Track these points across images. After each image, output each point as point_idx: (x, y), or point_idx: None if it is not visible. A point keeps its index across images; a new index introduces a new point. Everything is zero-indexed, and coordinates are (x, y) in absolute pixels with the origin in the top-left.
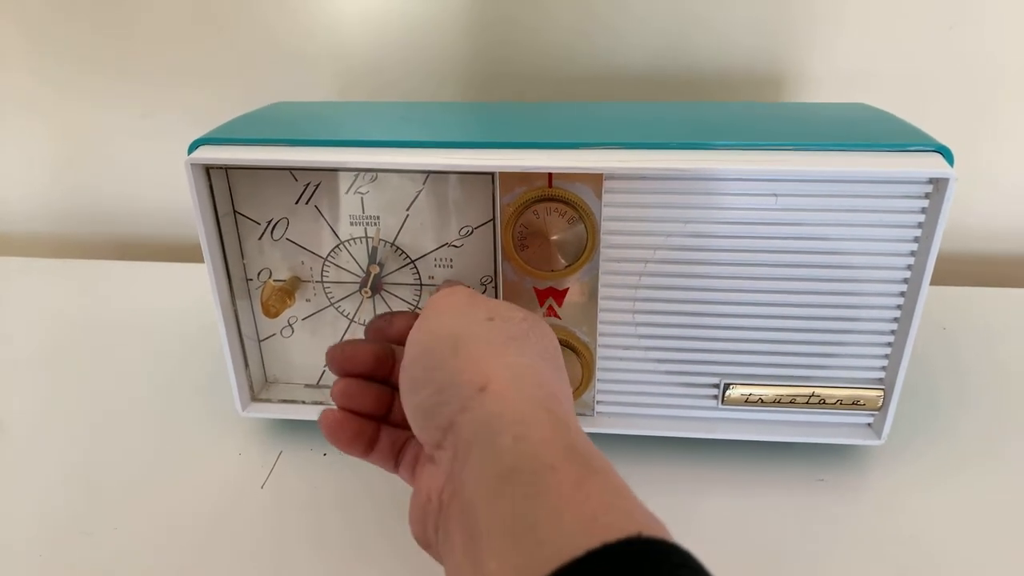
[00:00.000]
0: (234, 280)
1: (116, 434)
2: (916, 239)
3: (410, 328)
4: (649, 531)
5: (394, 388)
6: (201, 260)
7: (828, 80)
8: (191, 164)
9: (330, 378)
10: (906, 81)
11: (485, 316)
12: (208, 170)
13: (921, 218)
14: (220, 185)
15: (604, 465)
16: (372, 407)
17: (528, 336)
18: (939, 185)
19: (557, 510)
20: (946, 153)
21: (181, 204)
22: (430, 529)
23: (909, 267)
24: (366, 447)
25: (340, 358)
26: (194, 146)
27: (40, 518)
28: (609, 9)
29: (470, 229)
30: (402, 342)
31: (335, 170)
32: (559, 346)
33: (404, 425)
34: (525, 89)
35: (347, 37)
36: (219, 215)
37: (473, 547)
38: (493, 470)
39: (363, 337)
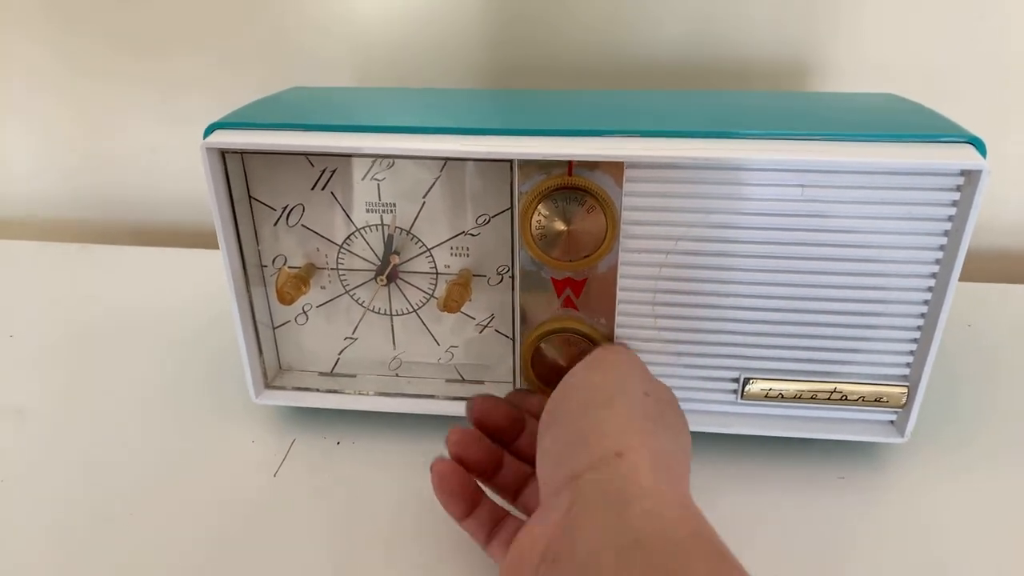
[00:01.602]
0: (249, 266)
1: (130, 420)
2: (946, 233)
3: (539, 405)
4: None
5: (511, 454)
6: (214, 246)
7: (853, 71)
8: (206, 148)
9: (344, 366)
10: (933, 72)
11: (643, 389)
12: (224, 155)
13: (952, 211)
14: (236, 170)
15: (735, 561)
16: (483, 462)
17: (673, 422)
18: (971, 177)
19: None
20: (978, 144)
21: (197, 190)
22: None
23: (938, 261)
24: (467, 507)
25: (479, 409)
26: (210, 130)
27: (56, 503)
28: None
29: (487, 217)
30: (533, 415)
31: (352, 156)
32: (690, 444)
33: (508, 494)
34: (544, 79)
35: (365, 24)
36: (234, 200)
37: None
38: (617, 538)
39: (492, 395)
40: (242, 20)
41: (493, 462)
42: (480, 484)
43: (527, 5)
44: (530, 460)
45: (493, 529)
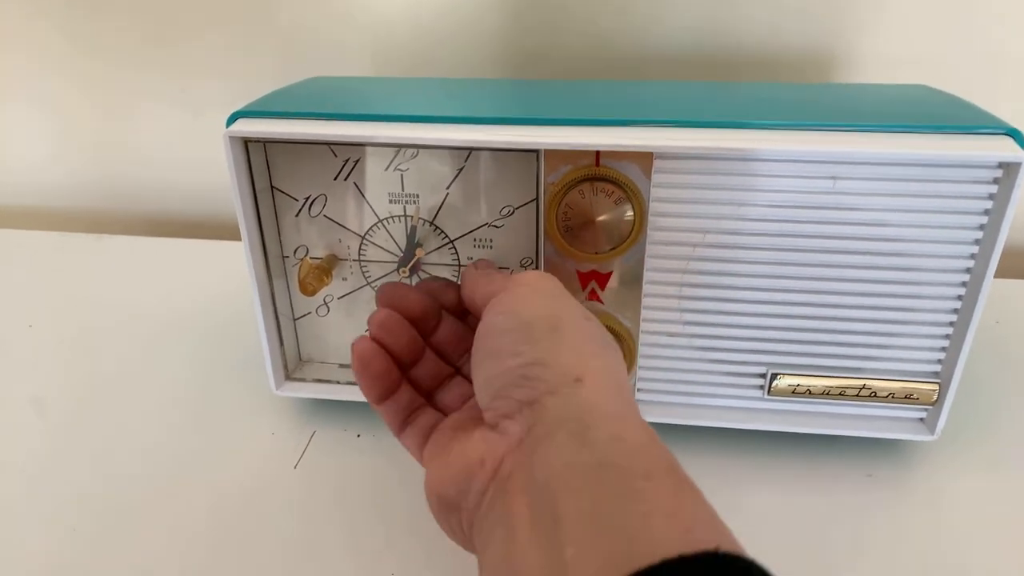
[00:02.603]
0: (270, 257)
1: (149, 412)
2: (981, 227)
3: (458, 301)
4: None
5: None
6: (236, 237)
7: (879, 63)
8: (229, 137)
9: None
10: (963, 66)
11: (582, 315)
12: (247, 144)
13: (988, 204)
14: (258, 160)
15: (695, 488)
16: (404, 350)
17: (615, 346)
18: (1009, 170)
19: (649, 514)
20: (1017, 136)
21: (217, 181)
22: (472, 492)
23: (972, 256)
24: (385, 392)
25: (389, 295)
26: (233, 118)
27: (75, 494)
28: None
29: (511, 209)
30: (449, 308)
31: (376, 145)
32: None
33: (423, 389)
34: (563, 68)
35: (384, 13)
36: (256, 191)
37: (546, 528)
38: (581, 460)
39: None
40: (261, 9)
41: (413, 352)
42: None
43: None
44: (446, 358)
45: (408, 417)
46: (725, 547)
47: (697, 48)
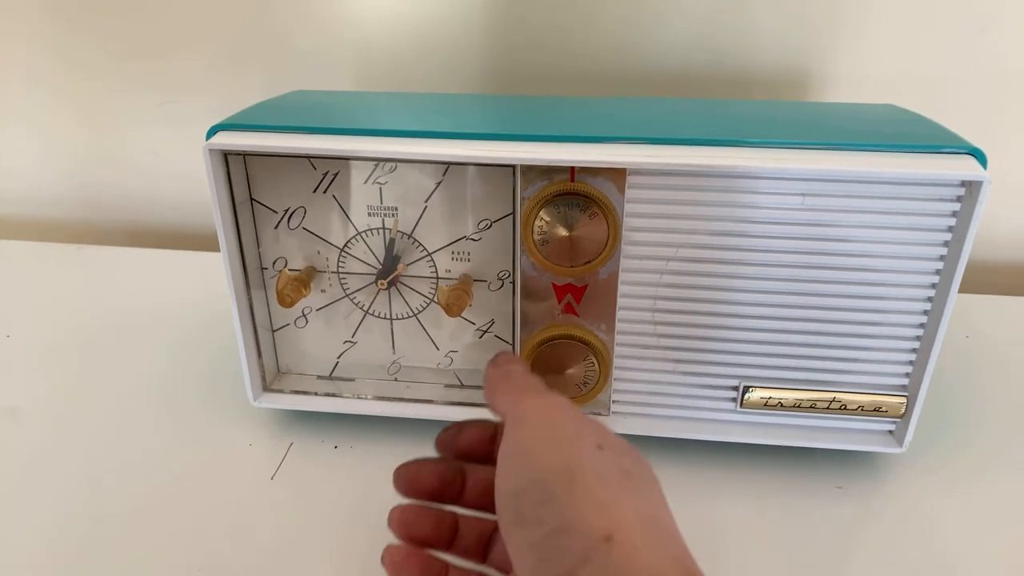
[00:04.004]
0: (249, 269)
1: (127, 423)
2: (946, 243)
3: (481, 439)
4: None
5: (465, 507)
6: (215, 248)
7: (853, 82)
8: (209, 149)
9: (343, 370)
10: (933, 84)
11: (594, 443)
12: (226, 156)
13: (952, 222)
14: (238, 172)
15: None
16: (432, 534)
17: (640, 466)
18: (972, 188)
19: None
20: (979, 156)
21: (196, 192)
22: None
23: (937, 272)
24: None
25: (404, 479)
26: (212, 131)
27: (52, 505)
28: (632, 7)
29: (489, 223)
30: (472, 456)
31: (355, 159)
32: (656, 477)
33: (475, 555)
34: (546, 85)
35: (367, 29)
36: (236, 203)
37: None
38: None
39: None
40: (244, 23)
41: (446, 530)
42: (442, 555)
43: (529, 12)
44: (485, 509)
45: None
46: None
47: (675, 66)
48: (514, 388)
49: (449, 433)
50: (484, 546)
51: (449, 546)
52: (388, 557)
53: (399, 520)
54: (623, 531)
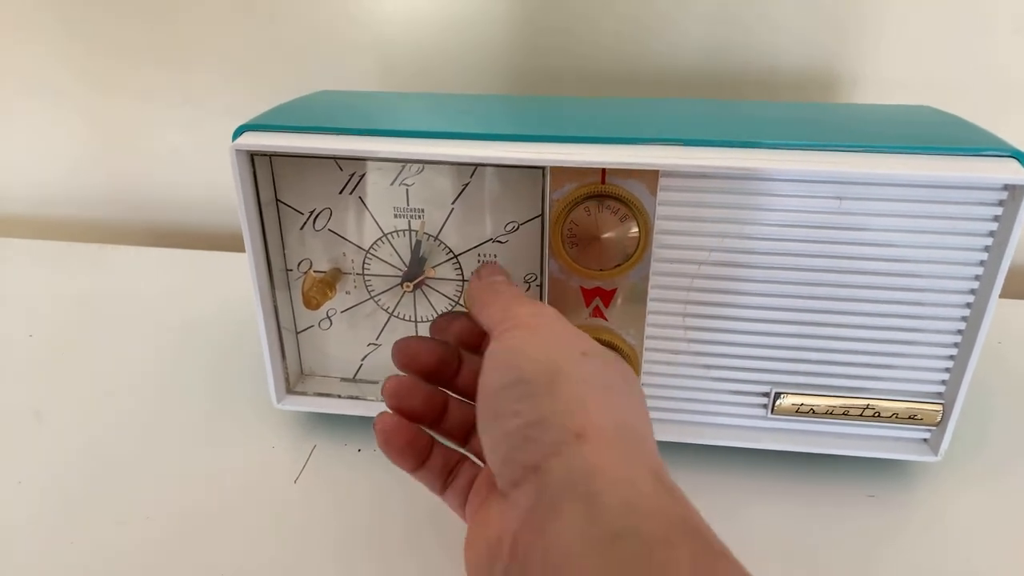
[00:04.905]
0: (274, 270)
1: (149, 424)
2: (986, 248)
3: (472, 331)
4: None
5: (455, 392)
6: (235, 249)
7: (879, 83)
8: (236, 150)
9: (367, 373)
10: (965, 87)
11: (580, 350)
12: (252, 157)
13: (993, 226)
14: (263, 173)
15: (722, 546)
16: (421, 409)
17: (624, 379)
18: (1015, 192)
19: None
20: (1022, 158)
21: (219, 193)
22: (497, 573)
23: (977, 277)
24: (416, 460)
25: (404, 354)
26: (239, 132)
27: (73, 506)
28: (656, 7)
29: (516, 225)
30: (463, 343)
31: (382, 160)
32: (641, 390)
33: (458, 438)
34: (569, 86)
35: (390, 28)
36: (261, 204)
37: None
38: (594, 534)
39: (426, 334)
40: (267, 21)
41: (436, 408)
42: (428, 431)
43: (553, 12)
44: (474, 398)
45: (448, 477)
46: None
47: (701, 66)
48: (500, 299)
49: (444, 320)
50: (467, 431)
51: (436, 425)
52: (379, 424)
53: (392, 390)
54: (596, 431)
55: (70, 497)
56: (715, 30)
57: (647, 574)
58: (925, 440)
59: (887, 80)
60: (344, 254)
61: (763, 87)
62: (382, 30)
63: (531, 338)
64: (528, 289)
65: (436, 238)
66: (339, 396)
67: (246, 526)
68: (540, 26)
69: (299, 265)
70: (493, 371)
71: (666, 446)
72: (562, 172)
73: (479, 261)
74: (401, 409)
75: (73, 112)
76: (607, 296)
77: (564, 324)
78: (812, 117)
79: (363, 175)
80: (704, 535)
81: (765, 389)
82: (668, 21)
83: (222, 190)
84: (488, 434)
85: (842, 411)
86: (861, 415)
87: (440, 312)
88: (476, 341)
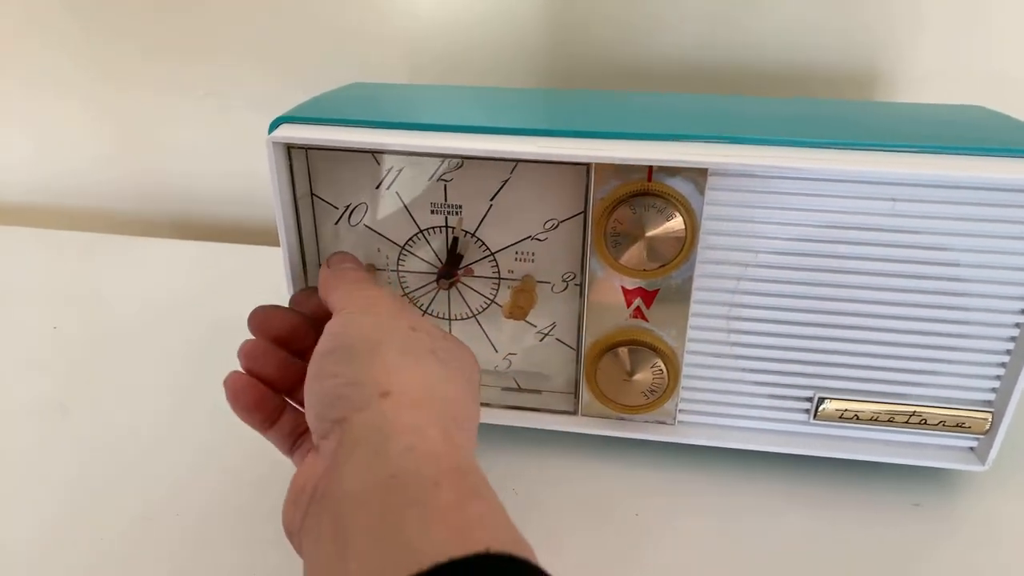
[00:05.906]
0: (308, 265)
1: (175, 418)
2: None
3: (322, 305)
4: (521, 553)
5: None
6: (265, 242)
7: (918, 81)
8: (272, 143)
9: None
10: (1014, 85)
11: (409, 324)
12: (289, 150)
13: None
14: (299, 166)
15: (490, 494)
16: (274, 373)
17: (451, 354)
18: None
19: (429, 521)
20: None
21: (248, 185)
22: (299, 517)
23: None
24: (266, 420)
25: (258, 319)
26: (275, 124)
27: (98, 500)
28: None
29: (556, 222)
30: (317, 318)
31: (423, 155)
32: (479, 377)
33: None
34: (604, 81)
35: (421, 20)
36: (297, 197)
37: (339, 546)
38: (374, 474)
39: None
40: (296, 14)
41: (290, 376)
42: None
43: (588, 5)
44: None
45: (297, 440)
46: (496, 547)
47: (737, 62)
48: (344, 284)
49: (302, 294)
50: None
51: (292, 393)
52: (229, 381)
53: (246, 352)
54: (401, 391)
55: (96, 491)
56: (751, 26)
57: (408, 507)
58: (972, 449)
59: (925, 77)
60: (379, 250)
61: (798, 83)
62: (413, 22)
63: (363, 314)
64: (565, 288)
65: (473, 235)
66: None
67: (272, 525)
68: (574, 18)
69: None
70: (324, 341)
71: (702, 450)
72: (607, 169)
73: (516, 259)
74: (254, 371)
75: (95, 103)
76: (649, 297)
77: (401, 304)
78: (862, 116)
79: (401, 170)
80: (471, 478)
81: (808, 394)
82: (707, 18)
83: (250, 183)
84: (308, 393)
85: (887, 417)
86: (907, 422)
87: (475, 310)
88: (329, 317)
